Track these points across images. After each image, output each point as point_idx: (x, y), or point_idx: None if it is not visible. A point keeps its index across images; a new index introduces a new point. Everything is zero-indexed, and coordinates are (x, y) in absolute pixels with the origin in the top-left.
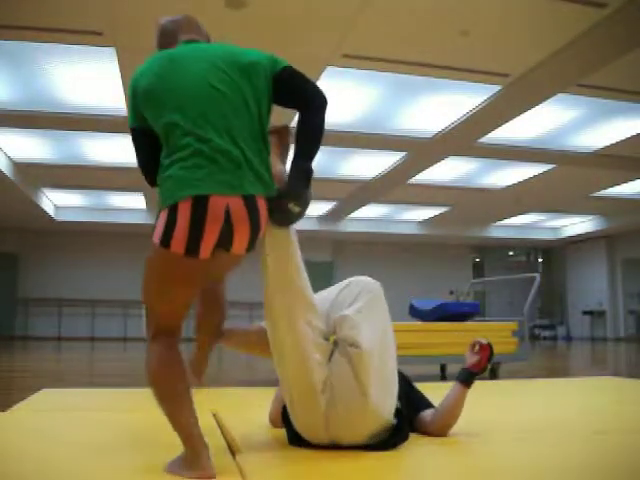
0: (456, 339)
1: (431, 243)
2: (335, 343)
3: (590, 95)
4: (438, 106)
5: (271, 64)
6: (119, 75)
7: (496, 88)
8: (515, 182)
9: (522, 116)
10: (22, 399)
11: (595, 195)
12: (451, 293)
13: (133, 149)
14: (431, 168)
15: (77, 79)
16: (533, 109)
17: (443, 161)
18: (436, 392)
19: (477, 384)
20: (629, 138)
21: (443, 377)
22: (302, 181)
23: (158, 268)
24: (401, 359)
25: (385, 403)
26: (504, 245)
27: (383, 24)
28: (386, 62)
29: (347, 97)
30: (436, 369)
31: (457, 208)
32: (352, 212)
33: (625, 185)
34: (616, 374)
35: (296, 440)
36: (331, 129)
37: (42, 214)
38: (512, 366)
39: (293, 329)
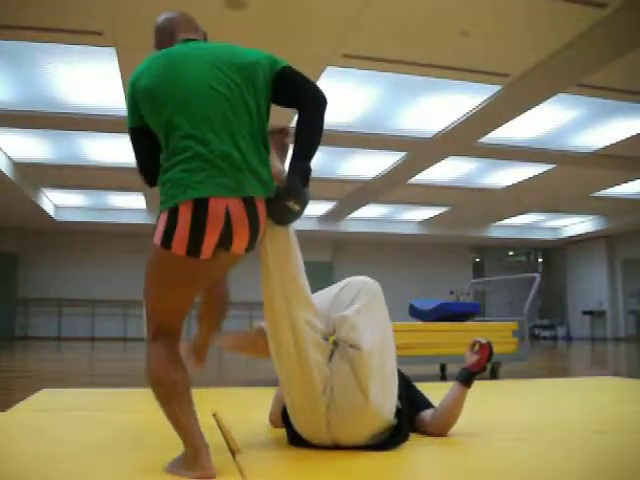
0: (456, 339)
1: (431, 243)
2: (335, 344)
3: (590, 95)
4: (438, 106)
5: (270, 64)
6: (119, 75)
7: (496, 88)
8: (515, 182)
9: (522, 116)
10: (22, 399)
11: (595, 195)
12: (451, 293)
13: (132, 149)
14: (431, 168)
15: (77, 79)
16: (533, 109)
17: (443, 161)
18: (436, 392)
19: (477, 384)
20: (629, 138)
21: (443, 377)
22: (301, 180)
23: (159, 269)
24: (401, 359)
25: (385, 403)
26: (504, 245)
27: (383, 24)
28: (386, 62)
29: (347, 97)
30: (436, 369)
31: (457, 208)
32: (352, 212)
33: (625, 185)
34: (616, 374)
35: (296, 440)
36: (331, 129)
37: (42, 214)
38: (512, 366)
39: (293, 329)
